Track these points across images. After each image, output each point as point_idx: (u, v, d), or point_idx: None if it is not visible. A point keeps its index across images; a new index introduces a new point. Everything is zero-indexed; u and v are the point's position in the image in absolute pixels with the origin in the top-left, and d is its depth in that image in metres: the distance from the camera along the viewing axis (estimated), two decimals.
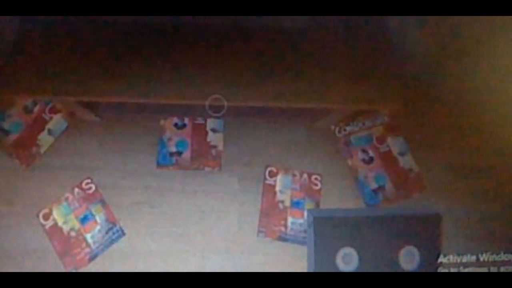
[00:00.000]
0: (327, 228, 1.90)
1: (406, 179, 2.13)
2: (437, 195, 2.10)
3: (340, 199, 2.10)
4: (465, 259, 1.84)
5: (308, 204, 2.09)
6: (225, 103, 1.73)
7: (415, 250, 1.89)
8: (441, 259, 1.84)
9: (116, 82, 1.79)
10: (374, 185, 2.13)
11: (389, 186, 2.12)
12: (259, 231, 2.06)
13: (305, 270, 1.99)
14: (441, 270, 1.86)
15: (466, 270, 1.83)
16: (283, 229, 2.08)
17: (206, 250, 2.02)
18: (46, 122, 2.14)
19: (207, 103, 1.74)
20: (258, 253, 2.03)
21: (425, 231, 1.88)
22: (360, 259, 1.88)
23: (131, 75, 1.79)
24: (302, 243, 2.02)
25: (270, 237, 2.05)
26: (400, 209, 1.98)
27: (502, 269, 1.83)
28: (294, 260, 2.01)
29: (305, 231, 2.06)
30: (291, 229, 2.07)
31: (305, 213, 2.10)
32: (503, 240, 2.01)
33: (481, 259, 1.84)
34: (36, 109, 2.14)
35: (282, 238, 2.06)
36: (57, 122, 2.14)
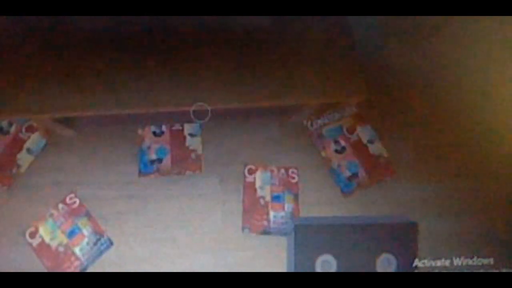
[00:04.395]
0: (307, 236, 1.88)
1: (376, 165, 2.14)
2: (406, 178, 2.14)
3: (318, 190, 2.10)
4: (439, 263, 1.86)
5: (288, 197, 2.08)
6: (209, 109, 1.71)
7: (392, 258, 1.90)
8: (416, 262, 1.85)
9: (90, 96, 1.73)
10: (347, 173, 2.13)
11: (361, 173, 2.13)
12: (243, 227, 2.04)
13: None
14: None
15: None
16: (265, 223, 2.06)
17: (194, 250, 1.99)
18: (24, 141, 2.05)
19: (191, 109, 1.70)
20: (244, 249, 2.01)
21: (402, 239, 1.88)
22: (338, 265, 1.88)
23: (105, 87, 1.73)
24: (285, 234, 2.02)
25: (254, 232, 2.04)
26: (378, 218, 1.98)
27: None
28: (279, 251, 2.00)
29: (286, 223, 2.07)
30: (274, 222, 2.06)
31: (286, 206, 2.09)
32: (477, 244, 2.04)
33: (455, 263, 1.86)
34: (12, 129, 2.06)
35: (266, 232, 2.04)
36: (35, 140, 2.06)
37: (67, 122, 2.04)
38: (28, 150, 2.04)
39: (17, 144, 2.04)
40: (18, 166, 2.02)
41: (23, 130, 2.06)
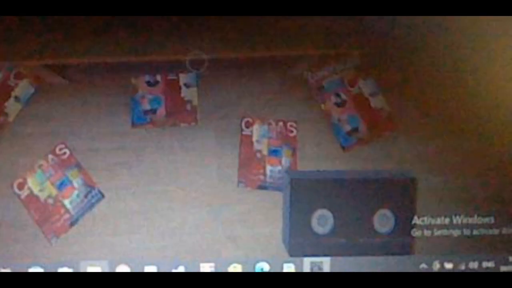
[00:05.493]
0: (303, 190, 1.83)
1: (378, 119, 2.03)
2: (408, 133, 2.07)
3: (316, 144, 2.01)
4: (439, 220, 1.82)
5: (286, 151, 1.98)
6: (206, 58, 1.64)
7: (390, 213, 1.84)
8: (415, 220, 1.81)
9: (82, 43, 1.65)
10: (347, 127, 2.03)
11: (362, 127, 2.03)
12: (239, 182, 1.96)
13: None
14: (414, 232, 1.83)
15: (439, 232, 1.82)
16: (262, 177, 1.98)
17: (188, 204, 1.92)
18: (11, 89, 1.91)
19: (187, 58, 1.63)
20: (239, 203, 1.94)
21: (401, 194, 1.82)
22: (335, 221, 1.82)
23: (98, 34, 1.65)
24: (281, 189, 1.95)
25: (250, 187, 1.96)
26: (377, 172, 1.89)
27: (475, 232, 1.82)
28: (275, 206, 1.94)
29: (283, 178, 2.01)
30: (270, 177, 1.98)
31: (283, 161, 2.01)
32: (478, 202, 1.94)
33: (455, 221, 1.82)
34: None
35: (262, 187, 1.96)
36: (23, 88, 1.92)
37: (57, 69, 1.91)
38: (16, 98, 1.91)
39: (5, 91, 1.91)
40: (6, 115, 1.90)
41: (11, 77, 1.92)
